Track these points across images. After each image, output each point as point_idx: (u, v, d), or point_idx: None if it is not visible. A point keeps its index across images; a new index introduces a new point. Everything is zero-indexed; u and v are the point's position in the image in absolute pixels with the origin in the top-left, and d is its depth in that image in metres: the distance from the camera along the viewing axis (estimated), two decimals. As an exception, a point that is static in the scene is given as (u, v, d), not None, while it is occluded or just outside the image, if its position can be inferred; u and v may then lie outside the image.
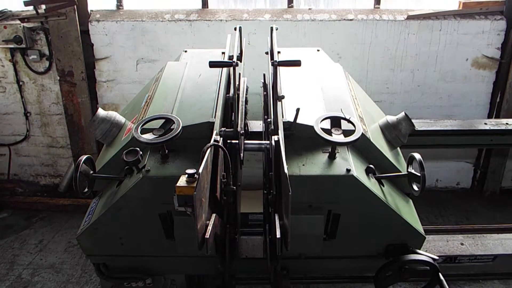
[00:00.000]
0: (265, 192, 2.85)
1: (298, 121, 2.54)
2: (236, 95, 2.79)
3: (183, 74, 3.25)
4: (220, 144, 2.32)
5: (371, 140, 2.69)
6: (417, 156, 2.51)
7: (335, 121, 2.58)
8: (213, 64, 2.62)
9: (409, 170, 2.60)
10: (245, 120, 3.28)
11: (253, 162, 4.73)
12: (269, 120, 2.81)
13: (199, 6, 5.92)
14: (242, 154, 2.68)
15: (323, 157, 2.50)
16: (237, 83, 2.98)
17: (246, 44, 4.30)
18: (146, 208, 2.51)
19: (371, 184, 2.48)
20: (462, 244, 3.21)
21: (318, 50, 3.76)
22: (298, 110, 2.50)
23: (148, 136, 2.45)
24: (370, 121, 2.96)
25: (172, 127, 2.50)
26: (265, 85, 3.65)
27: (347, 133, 2.50)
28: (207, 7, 5.93)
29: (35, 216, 6.30)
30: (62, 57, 5.70)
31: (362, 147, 2.66)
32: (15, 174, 6.78)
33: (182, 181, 1.95)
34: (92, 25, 5.67)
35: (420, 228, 2.69)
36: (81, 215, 2.86)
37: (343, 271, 3.13)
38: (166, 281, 3.05)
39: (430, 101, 6.09)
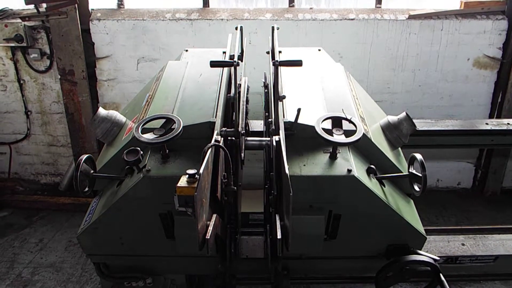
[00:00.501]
0: (266, 186, 2.84)
1: (299, 121, 2.54)
2: (237, 95, 2.78)
3: (184, 74, 3.24)
4: (221, 144, 2.31)
5: (372, 140, 2.68)
6: (419, 156, 2.51)
7: (336, 121, 2.58)
8: (214, 64, 2.61)
9: (410, 170, 2.60)
10: (246, 119, 3.27)
11: (253, 161, 4.72)
12: (270, 120, 2.80)
13: (200, 5, 5.92)
14: (243, 154, 2.68)
15: (324, 157, 2.50)
16: (238, 82, 2.98)
17: (247, 43, 4.30)
18: (147, 208, 2.50)
19: (372, 184, 2.48)
20: (463, 244, 3.21)
21: (319, 50, 3.75)
22: (299, 110, 2.50)
23: (148, 136, 2.44)
24: (371, 121, 2.95)
25: (172, 127, 2.49)
26: (266, 85, 3.65)
27: (348, 133, 2.50)
28: (208, 6, 5.92)
29: (36, 214, 6.30)
30: (63, 56, 5.70)
31: (363, 147, 2.65)
32: (16, 172, 6.79)
33: (182, 181, 1.94)
34: (93, 24, 5.66)
35: (421, 228, 2.69)
36: (82, 214, 2.86)
37: (344, 272, 3.12)
38: (166, 281, 3.05)
39: (431, 101, 6.08)
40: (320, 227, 2.48)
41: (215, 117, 2.61)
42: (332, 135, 2.47)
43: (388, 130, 2.98)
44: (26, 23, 5.61)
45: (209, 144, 2.20)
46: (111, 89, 6.03)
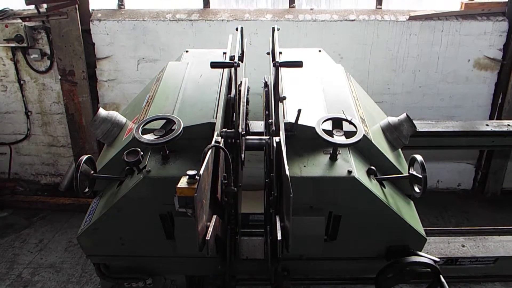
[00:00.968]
0: (266, 181, 2.84)
1: (299, 122, 2.54)
2: (237, 96, 2.78)
3: (184, 74, 3.24)
4: (221, 145, 2.31)
5: (373, 141, 2.68)
6: (419, 157, 2.51)
7: (337, 122, 2.58)
8: (214, 65, 2.61)
9: (410, 171, 2.60)
10: (246, 120, 3.27)
11: (254, 162, 4.72)
12: (270, 121, 2.80)
13: (201, 6, 5.92)
14: (243, 155, 2.68)
15: (325, 158, 2.50)
16: (238, 83, 2.98)
17: (247, 44, 4.30)
18: (147, 208, 2.50)
19: (372, 185, 2.48)
20: (463, 246, 3.20)
21: (319, 51, 3.75)
22: (299, 111, 2.50)
23: (149, 137, 2.44)
24: (371, 122, 2.95)
25: (173, 128, 2.49)
26: (266, 86, 3.65)
27: (348, 134, 2.50)
28: (209, 7, 5.92)
29: (36, 215, 6.30)
30: (63, 56, 5.70)
31: (363, 149, 2.65)
32: (16, 173, 6.79)
33: (183, 182, 1.94)
34: (93, 24, 5.67)
35: (421, 229, 2.68)
36: (82, 214, 2.86)
37: (344, 273, 3.12)
38: (166, 281, 3.05)
39: (432, 102, 6.08)
40: (320, 228, 2.48)
41: (216, 118, 2.61)
42: (333, 136, 2.47)
43: (389, 131, 2.98)
44: (27, 23, 5.62)
45: (209, 145, 2.20)
46: (112, 89, 6.03)
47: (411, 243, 2.66)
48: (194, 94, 2.98)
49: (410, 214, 2.70)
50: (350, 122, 2.54)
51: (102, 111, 2.90)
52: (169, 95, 2.98)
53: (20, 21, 5.60)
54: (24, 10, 5.68)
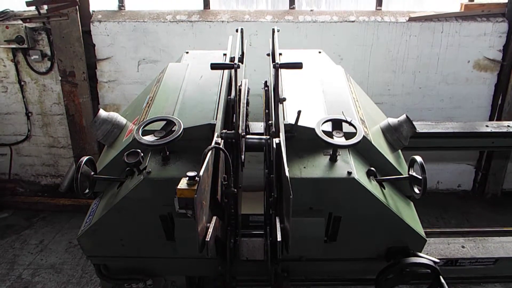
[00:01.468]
0: (267, 173, 2.83)
1: (299, 123, 2.54)
2: (238, 97, 2.79)
3: (184, 76, 3.24)
4: (221, 146, 2.32)
5: (373, 142, 2.68)
6: (419, 158, 2.51)
7: (337, 124, 2.58)
8: (214, 66, 2.61)
9: (410, 172, 2.60)
10: (246, 121, 3.27)
11: (254, 163, 4.72)
12: (270, 122, 2.81)
13: (201, 7, 5.93)
14: (243, 156, 2.68)
15: (324, 159, 2.50)
16: (238, 84, 2.98)
17: (247, 45, 4.30)
18: (147, 209, 2.51)
19: (372, 186, 2.48)
20: (463, 247, 3.20)
21: (319, 52, 3.76)
22: (299, 112, 2.50)
23: (149, 138, 2.45)
24: (371, 123, 2.96)
25: (173, 129, 2.50)
26: (266, 85, 3.65)
27: (348, 135, 2.50)
28: (209, 8, 5.93)
29: (36, 216, 6.31)
30: (63, 58, 5.71)
31: (363, 150, 2.65)
32: (16, 174, 6.79)
33: (183, 183, 1.95)
34: (94, 25, 5.68)
35: (421, 230, 2.69)
36: (82, 215, 2.86)
37: (344, 274, 3.12)
38: (166, 282, 3.05)
39: (432, 103, 6.09)
40: (320, 229, 2.48)
41: (216, 119, 2.61)
42: (332, 138, 2.47)
43: (388, 132, 2.98)
44: (27, 24, 5.63)
45: (209, 147, 2.21)
46: (112, 90, 6.04)
47: (411, 244, 2.66)
48: (194, 96, 2.98)
49: (410, 215, 2.71)
50: (350, 123, 2.54)
51: (102, 112, 2.91)
52: (169, 97, 2.98)
53: (20, 22, 5.61)
54: (24, 11, 5.69)
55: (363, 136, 2.48)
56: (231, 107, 3.04)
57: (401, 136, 2.95)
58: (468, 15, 5.65)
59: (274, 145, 2.45)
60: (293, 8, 5.92)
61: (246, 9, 5.97)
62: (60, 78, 5.85)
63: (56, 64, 5.82)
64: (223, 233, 2.52)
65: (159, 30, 5.67)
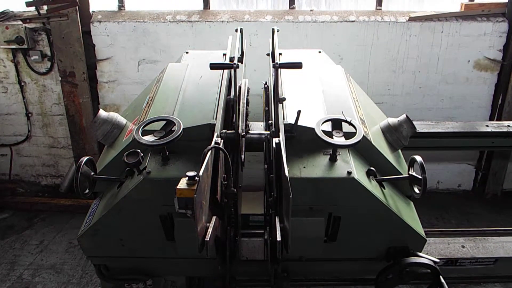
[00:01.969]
0: (266, 169, 2.83)
1: (299, 123, 2.54)
2: (237, 97, 2.78)
3: (184, 76, 3.24)
4: (221, 146, 2.32)
5: (372, 142, 2.68)
6: (418, 158, 2.51)
7: (336, 124, 2.58)
8: (213, 66, 2.62)
9: (410, 172, 2.60)
10: (246, 121, 3.27)
11: (254, 163, 4.72)
12: (270, 122, 2.81)
13: (201, 7, 5.93)
14: (243, 156, 2.68)
15: (324, 159, 2.50)
16: (238, 84, 2.98)
17: (247, 45, 4.31)
18: (147, 209, 2.51)
19: (372, 186, 2.48)
20: (463, 246, 3.20)
21: (319, 52, 3.76)
22: (299, 112, 2.50)
23: (149, 138, 2.45)
24: (371, 123, 2.96)
25: (173, 129, 2.50)
26: (266, 87, 3.65)
27: (348, 135, 2.50)
28: (209, 8, 5.93)
29: (36, 216, 6.31)
30: (63, 58, 5.71)
31: (363, 150, 2.65)
32: (17, 174, 6.80)
33: (182, 183, 1.95)
34: (93, 26, 5.68)
35: (421, 230, 2.68)
36: (82, 215, 2.86)
37: (344, 274, 3.12)
38: (166, 282, 3.05)
39: (432, 103, 6.08)
40: (320, 229, 2.48)
41: (215, 119, 2.61)
42: (332, 137, 2.47)
43: (388, 132, 2.98)
44: (27, 25, 5.63)
45: (209, 146, 2.21)
46: (112, 91, 6.04)
47: (411, 244, 2.66)
48: (194, 96, 2.98)
49: (410, 215, 2.70)
50: (350, 123, 2.54)
51: (102, 113, 2.91)
52: (169, 97, 2.98)
53: (20, 22, 5.62)
54: (24, 11, 5.70)
55: (363, 136, 2.48)
56: (231, 107, 3.04)
57: (401, 136, 2.95)
58: (468, 15, 5.65)
59: (274, 145, 2.45)
60: (293, 8, 5.92)
61: (246, 9, 5.97)
62: (60, 78, 5.85)
63: (56, 64, 5.83)
64: (223, 233, 2.52)
65: (159, 30, 5.67)
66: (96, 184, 2.64)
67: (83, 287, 5.03)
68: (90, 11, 5.75)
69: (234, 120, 2.73)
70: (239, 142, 2.65)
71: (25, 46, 5.68)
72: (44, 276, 5.19)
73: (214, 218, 2.21)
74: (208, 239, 2.01)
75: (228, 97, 3.07)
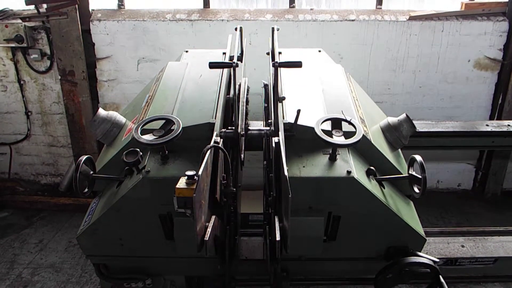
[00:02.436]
0: (265, 166, 2.83)
1: (298, 122, 2.54)
2: (237, 96, 2.78)
3: (184, 75, 3.24)
4: (220, 145, 2.31)
5: (372, 141, 2.68)
6: (418, 158, 2.50)
7: (336, 123, 2.57)
8: (213, 65, 2.61)
9: (410, 172, 2.59)
10: (245, 120, 3.27)
11: (253, 162, 4.72)
12: (270, 121, 2.80)
13: (201, 6, 5.92)
14: (242, 155, 2.68)
15: (324, 158, 2.49)
16: (237, 83, 2.97)
17: (247, 44, 4.30)
18: (146, 209, 2.50)
19: (372, 186, 2.47)
20: (463, 246, 3.20)
21: (319, 51, 3.75)
22: (299, 111, 2.49)
23: (148, 137, 2.44)
24: (371, 122, 2.95)
25: (172, 128, 2.49)
26: (266, 86, 3.65)
27: (348, 134, 2.49)
28: (209, 7, 5.92)
29: (36, 215, 6.31)
30: (63, 57, 5.71)
31: (363, 149, 2.65)
32: (16, 173, 6.79)
33: (181, 183, 1.94)
34: (93, 24, 5.67)
35: (420, 230, 2.68)
36: (82, 214, 2.86)
37: (344, 273, 3.12)
38: (165, 282, 3.05)
39: (432, 103, 6.08)
40: (320, 228, 2.48)
41: (215, 118, 2.61)
42: (332, 137, 2.46)
43: (388, 131, 2.97)
44: (27, 23, 5.62)
45: (208, 146, 2.20)
46: (111, 89, 6.04)
47: (410, 244, 2.65)
48: (194, 94, 2.98)
49: (409, 215, 2.70)
50: (350, 123, 2.53)
51: (101, 111, 2.90)
52: (169, 95, 2.98)
53: (20, 21, 5.60)
54: (24, 10, 5.68)
55: (363, 135, 2.47)
56: (230, 106, 3.03)
57: (401, 135, 2.94)
58: (468, 14, 5.64)
59: (273, 144, 2.44)
60: (293, 7, 5.91)
61: (246, 8, 5.96)
62: (59, 77, 5.85)
63: (56, 63, 5.82)
64: (222, 232, 2.52)
65: (158, 29, 5.66)
66: (95, 183, 2.64)
67: (83, 286, 5.03)
68: (90, 10, 5.74)
69: (233, 119, 2.73)
70: (238, 141, 2.65)
71: (24, 45, 5.67)
72: (44, 275, 5.19)
73: (213, 217, 2.21)
74: (207, 239, 2.01)
75: (228, 96, 3.07)
